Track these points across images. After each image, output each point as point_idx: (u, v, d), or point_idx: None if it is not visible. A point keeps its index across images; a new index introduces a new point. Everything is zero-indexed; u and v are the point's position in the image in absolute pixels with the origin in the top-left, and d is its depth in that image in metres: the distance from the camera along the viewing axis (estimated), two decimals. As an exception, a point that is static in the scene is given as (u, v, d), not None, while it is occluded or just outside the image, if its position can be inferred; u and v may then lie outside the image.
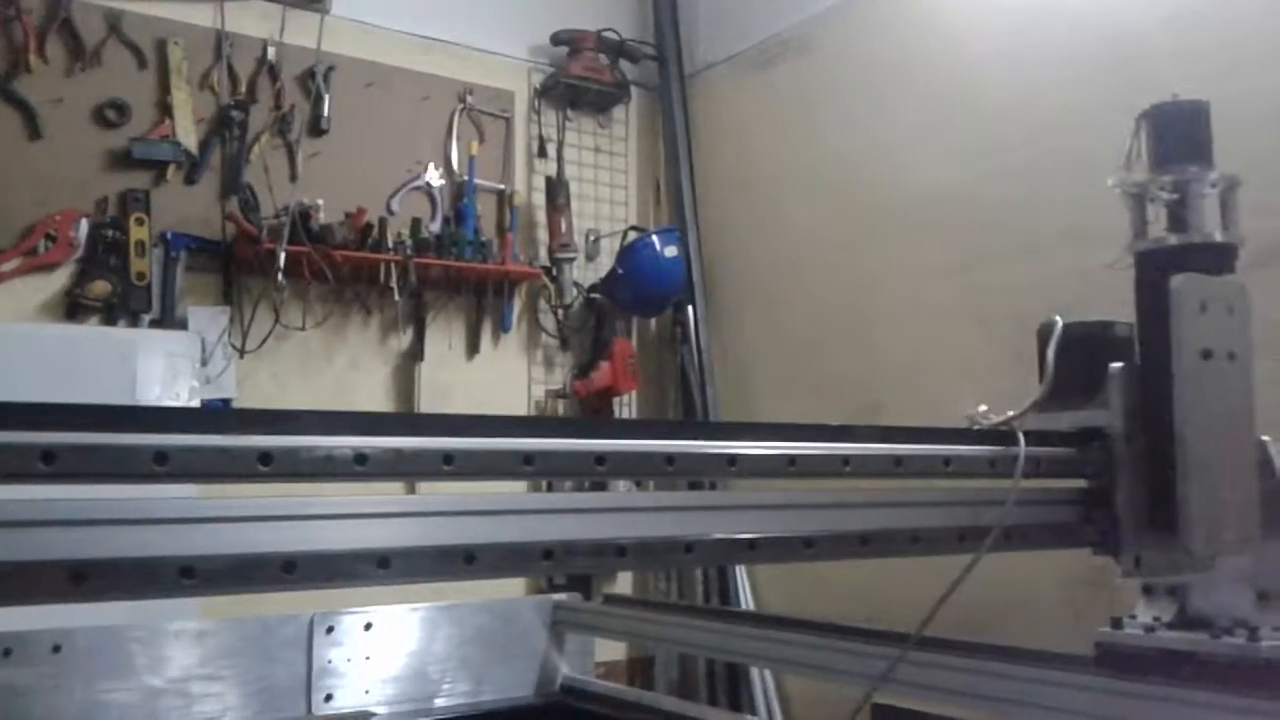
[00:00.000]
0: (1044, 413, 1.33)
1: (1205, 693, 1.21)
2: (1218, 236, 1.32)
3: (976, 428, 1.28)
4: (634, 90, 4.50)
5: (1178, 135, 1.43)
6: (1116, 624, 1.38)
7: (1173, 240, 1.32)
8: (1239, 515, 1.21)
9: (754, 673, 3.79)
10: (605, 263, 4.28)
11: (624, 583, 4.16)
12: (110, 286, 3.34)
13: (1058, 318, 1.40)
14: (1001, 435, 1.26)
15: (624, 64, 4.41)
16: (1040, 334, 1.39)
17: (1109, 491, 1.25)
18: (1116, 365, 1.26)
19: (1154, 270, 1.32)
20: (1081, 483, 1.28)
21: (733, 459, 1.00)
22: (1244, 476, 1.22)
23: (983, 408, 1.31)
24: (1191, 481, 1.18)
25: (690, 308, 4.22)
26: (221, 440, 0.74)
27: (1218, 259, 1.30)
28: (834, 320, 3.76)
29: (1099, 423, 1.28)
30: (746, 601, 3.92)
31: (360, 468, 0.79)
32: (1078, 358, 1.33)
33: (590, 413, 4.17)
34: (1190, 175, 1.36)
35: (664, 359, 4.38)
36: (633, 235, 4.28)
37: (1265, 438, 1.42)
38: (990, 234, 3.23)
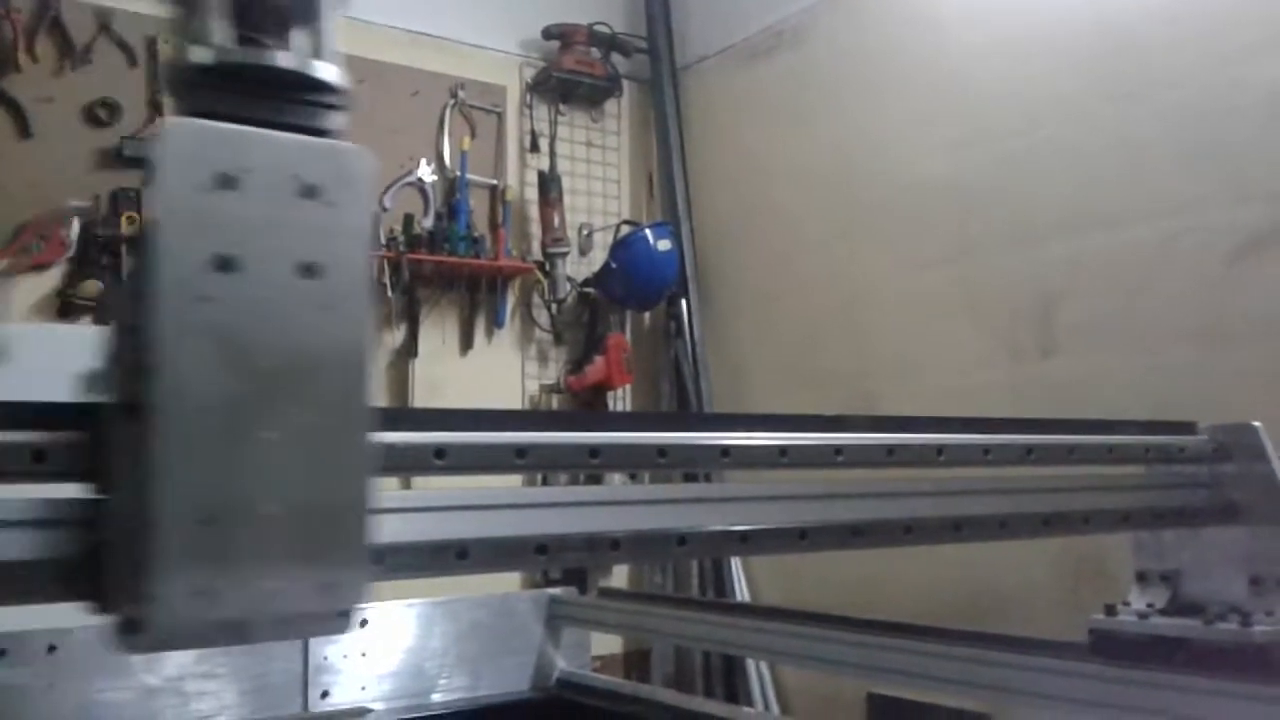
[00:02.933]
0: None
1: (1198, 678, 1.21)
2: (272, 60, 0.68)
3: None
4: (626, 84, 4.50)
5: None
6: (1110, 611, 1.38)
7: (191, 58, 0.66)
8: (299, 547, 0.66)
9: (750, 664, 3.80)
10: (598, 257, 4.28)
11: (619, 576, 4.17)
12: (103, 285, 3.33)
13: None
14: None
15: (616, 57, 4.41)
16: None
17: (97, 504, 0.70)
18: (119, 287, 0.71)
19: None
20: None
21: (726, 450, 1.00)
22: (319, 479, 0.67)
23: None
24: (171, 486, 0.62)
25: (684, 301, 4.22)
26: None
27: (285, 103, 0.69)
28: (827, 312, 3.77)
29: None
30: (741, 593, 3.93)
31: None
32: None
33: (584, 407, 4.17)
34: None
35: (658, 353, 4.38)
36: (626, 229, 4.28)
37: (1256, 423, 1.43)
38: (981, 224, 3.24)
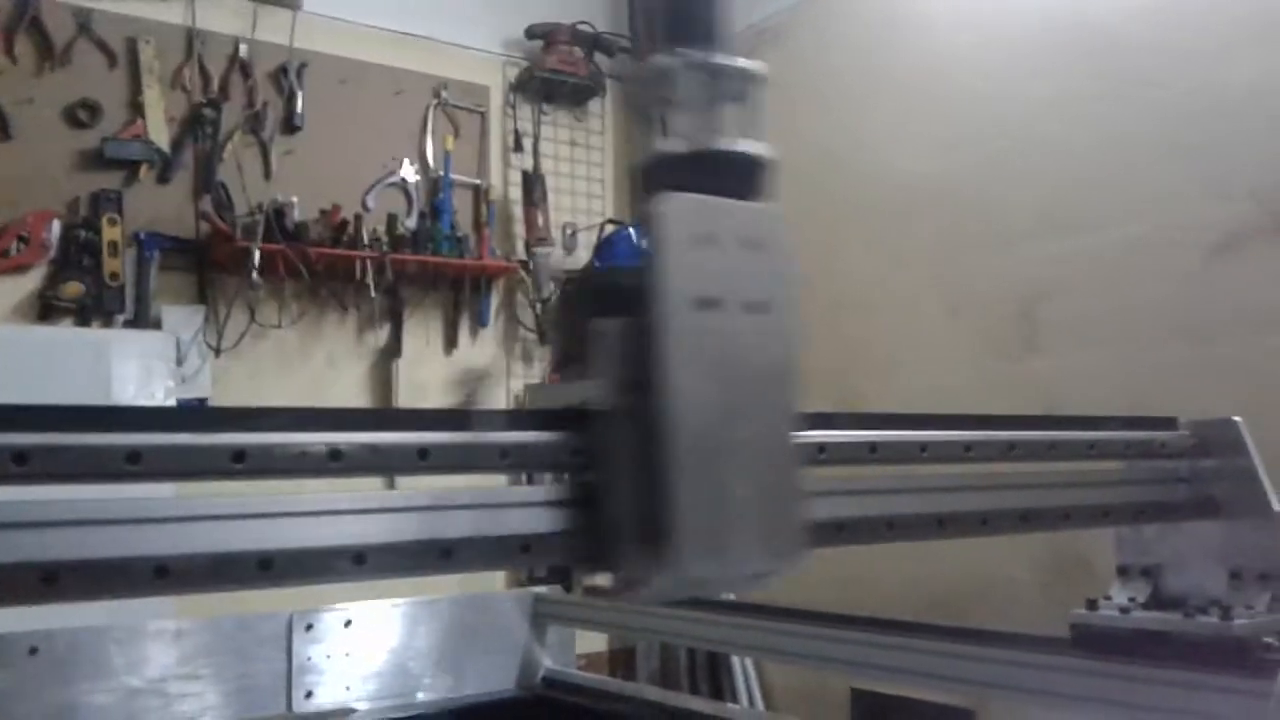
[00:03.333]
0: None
1: (1179, 671, 1.22)
2: (724, 144, 0.90)
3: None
4: (609, 83, 4.50)
5: (664, 6, 0.96)
6: (1092, 605, 1.39)
7: (663, 149, 0.89)
8: (763, 521, 0.85)
9: (735, 661, 3.81)
10: (583, 256, 4.28)
11: (604, 574, 4.17)
12: (83, 287, 3.32)
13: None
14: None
15: (599, 57, 4.41)
16: (564, 287, 1.13)
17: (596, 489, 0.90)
18: (606, 321, 0.91)
19: (644, 193, 0.93)
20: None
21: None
22: (772, 470, 0.86)
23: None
24: (682, 474, 0.82)
25: (668, 300, 4.22)
26: (194, 439, 0.74)
27: (734, 176, 0.90)
28: (811, 310, 3.73)
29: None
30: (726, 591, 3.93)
31: (335, 463, 0.79)
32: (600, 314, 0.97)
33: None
34: (679, 59, 0.92)
35: (642, 351, 4.37)
36: (610, 228, 4.28)
37: (1236, 418, 1.44)
38: (964, 224, 3.25)
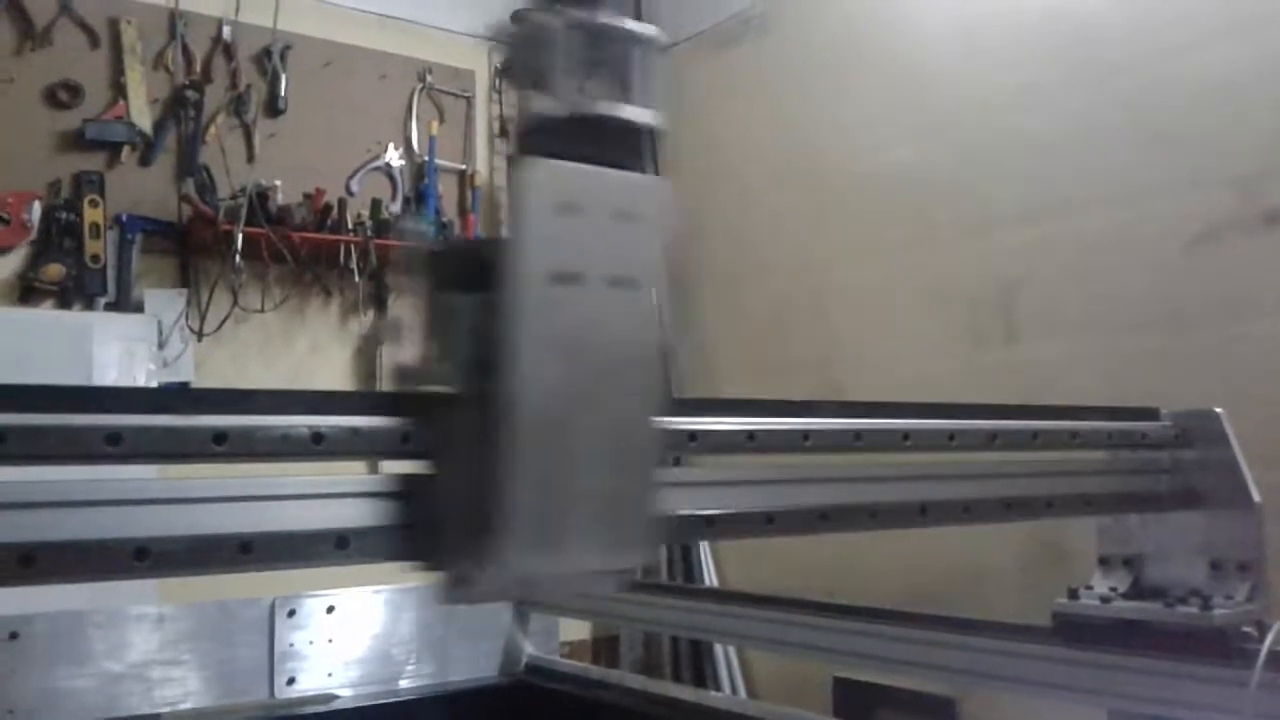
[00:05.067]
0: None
1: (1159, 661, 1.23)
2: (602, 109, 0.81)
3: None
4: (595, 69, 4.48)
5: None
6: (1073, 595, 1.40)
7: (537, 110, 0.81)
8: (608, 516, 0.78)
9: (718, 649, 3.81)
10: (567, 243, 4.27)
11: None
12: (65, 269, 3.29)
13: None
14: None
15: (584, 43, 4.39)
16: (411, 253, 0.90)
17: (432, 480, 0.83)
18: (454, 296, 0.81)
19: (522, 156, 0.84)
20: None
21: (693, 435, 1.00)
22: (626, 459, 0.79)
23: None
24: (520, 461, 0.74)
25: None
26: (174, 420, 0.73)
27: (610, 144, 0.82)
28: (794, 299, 3.78)
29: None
30: (709, 579, 3.94)
31: (317, 446, 0.79)
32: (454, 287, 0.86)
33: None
34: (560, 17, 0.85)
35: (627, 339, 4.37)
36: (595, 215, 4.27)
37: (1218, 410, 1.45)
38: (943, 212, 3.25)
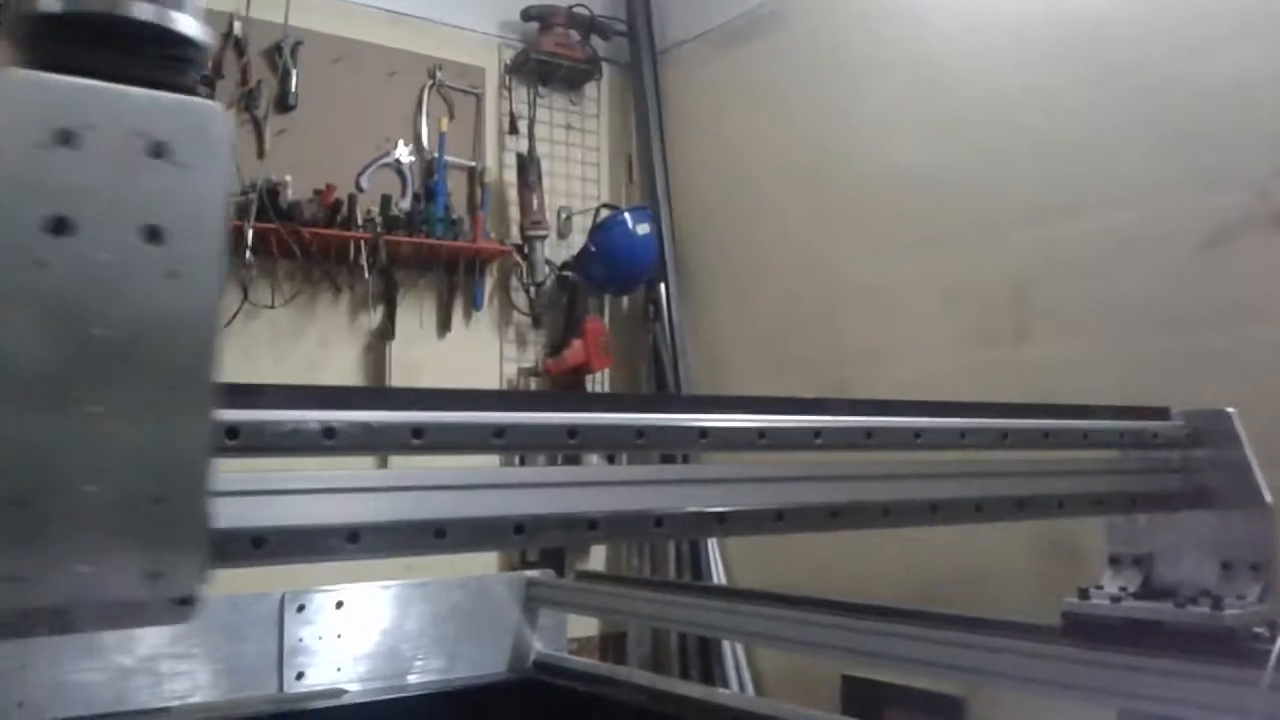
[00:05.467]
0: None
1: (1170, 661, 1.22)
2: (119, 8, 0.63)
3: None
4: (605, 67, 4.48)
5: None
6: (1084, 594, 1.39)
7: (30, 7, 0.63)
8: (129, 531, 0.61)
9: (726, 646, 3.81)
10: (577, 240, 4.27)
11: (597, 559, 4.17)
12: None
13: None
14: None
15: (595, 40, 4.39)
16: None
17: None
18: None
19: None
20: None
21: (704, 431, 1.00)
22: (155, 459, 0.62)
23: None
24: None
25: (662, 285, 4.22)
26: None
27: (131, 54, 0.64)
28: (803, 297, 3.77)
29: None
30: (718, 576, 3.94)
31: (329, 441, 0.79)
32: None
33: (563, 391, 4.16)
34: None
35: (636, 337, 4.37)
36: (605, 213, 4.27)
37: (1230, 409, 1.44)
38: (954, 211, 3.25)
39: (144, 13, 0.63)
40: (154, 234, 0.61)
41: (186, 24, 0.65)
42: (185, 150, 0.62)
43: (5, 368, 0.57)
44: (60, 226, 0.59)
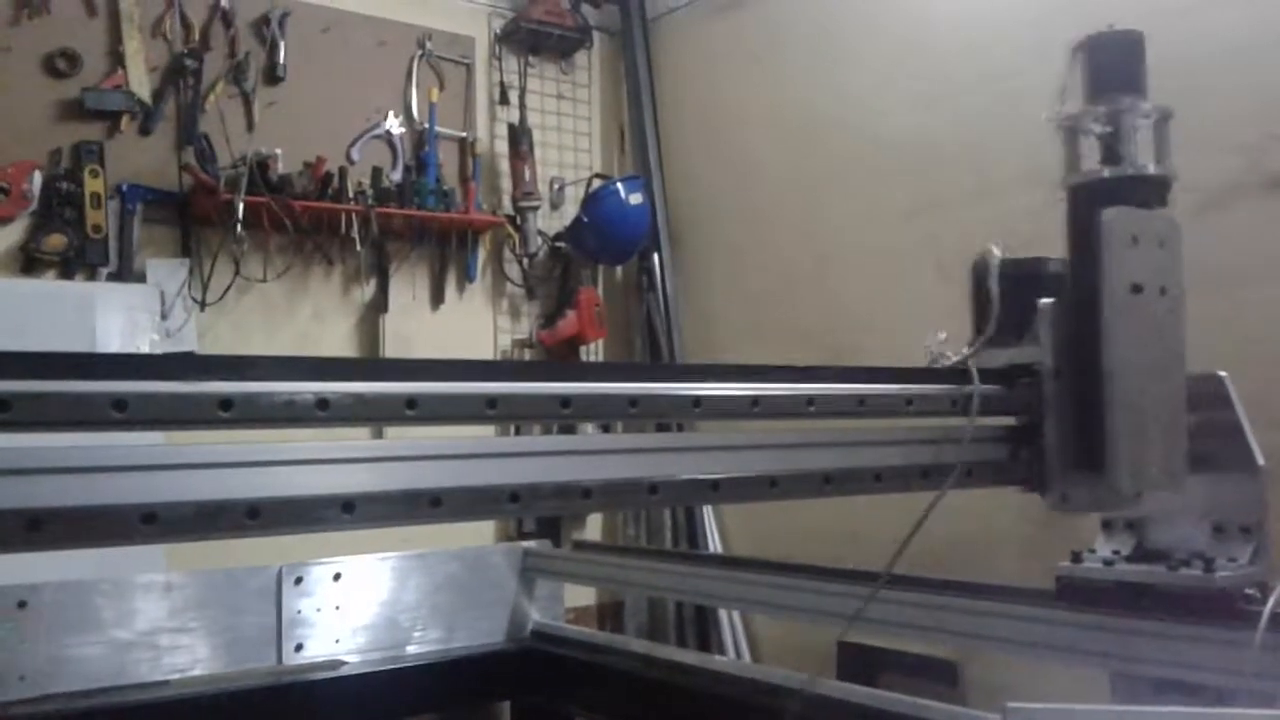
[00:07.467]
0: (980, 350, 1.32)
1: (1162, 623, 1.23)
2: (1150, 169, 1.30)
3: (934, 365, 1.29)
4: (596, 35, 4.45)
5: (1112, 66, 1.38)
6: (1076, 558, 1.40)
7: (1105, 173, 1.30)
8: (1166, 453, 1.21)
9: (722, 614, 3.84)
10: (570, 211, 4.25)
11: (593, 529, 4.19)
12: (66, 240, 3.28)
13: (994, 248, 1.39)
14: (958, 373, 1.27)
15: (585, 8, 4.35)
16: (976, 269, 1.39)
17: (1037, 428, 1.27)
18: (1046, 301, 1.27)
19: (1086, 204, 1.31)
20: (1011, 420, 1.30)
21: (697, 400, 1.01)
22: (1173, 414, 1.22)
23: (942, 335, 1.30)
24: (1118, 418, 1.19)
25: (656, 255, 4.21)
26: (180, 387, 0.74)
27: (1150, 192, 1.29)
28: (797, 266, 3.77)
29: (1029, 359, 1.30)
30: (714, 544, 3.96)
31: (322, 413, 0.79)
32: (1011, 294, 1.36)
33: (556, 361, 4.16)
34: (1123, 106, 1.33)
35: (630, 307, 4.37)
36: (597, 183, 4.25)
37: (1222, 373, 1.44)
38: (948, 177, 3.24)
39: (1156, 170, 1.30)
40: (1158, 292, 1.28)
41: (1166, 169, 1.32)
42: (1165, 240, 1.31)
43: (1127, 365, 1.24)
44: (1135, 289, 1.24)
